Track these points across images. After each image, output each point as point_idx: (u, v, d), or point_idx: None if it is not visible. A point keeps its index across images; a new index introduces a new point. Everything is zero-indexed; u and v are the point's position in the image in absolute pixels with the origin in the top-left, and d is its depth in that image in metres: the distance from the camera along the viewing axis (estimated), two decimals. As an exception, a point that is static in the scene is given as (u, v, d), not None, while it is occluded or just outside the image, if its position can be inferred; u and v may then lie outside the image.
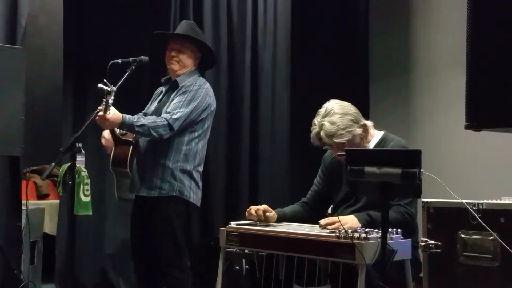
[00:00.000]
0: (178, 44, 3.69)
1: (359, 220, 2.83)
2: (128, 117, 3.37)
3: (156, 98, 3.81)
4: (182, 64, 3.68)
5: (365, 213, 2.91)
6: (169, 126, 3.43)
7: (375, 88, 5.69)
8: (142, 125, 3.38)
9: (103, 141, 3.60)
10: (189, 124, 3.55)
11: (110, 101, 3.22)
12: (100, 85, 3.18)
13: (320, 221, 2.87)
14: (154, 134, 3.41)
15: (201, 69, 3.84)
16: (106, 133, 3.57)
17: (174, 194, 3.53)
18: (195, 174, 3.61)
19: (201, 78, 3.73)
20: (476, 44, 2.29)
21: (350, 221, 2.80)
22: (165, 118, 3.44)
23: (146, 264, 3.63)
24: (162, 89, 3.83)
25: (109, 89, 3.18)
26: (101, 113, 3.25)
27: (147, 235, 3.59)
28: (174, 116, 3.45)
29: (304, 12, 5.43)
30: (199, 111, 3.57)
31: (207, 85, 3.70)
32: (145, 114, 3.72)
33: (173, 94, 3.63)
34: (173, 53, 3.68)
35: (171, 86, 3.70)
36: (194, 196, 3.61)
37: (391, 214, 2.83)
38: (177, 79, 3.68)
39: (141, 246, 3.65)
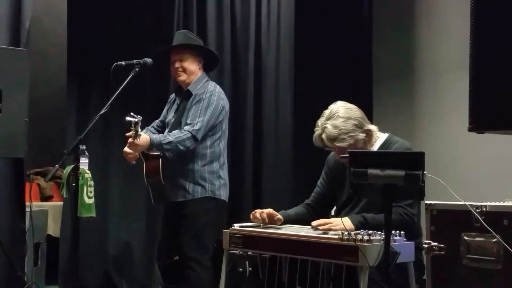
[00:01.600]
0: (178, 54, 3.82)
1: (352, 222, 2.84)
2: (155, 138, 3.58)
3: (171, 107, 3.94)
4: (188, 71, 3.81)
5: (360, 215, 2.92)
6: (193, 137, 3.62)
7: (379, 91, 5.69)
8: (169, 142, 3.58)
9: (127, 155, 3.66)
10: (210, 130, 3.71)
11: (139, 129, 3.40)
12: (128, 118, 3.35)
13: (312, 222, 2.89)
14: (182, 147, 3.60)
15: (207, 71, 3.92)
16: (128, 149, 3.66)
17: (207, 195, 3.72)
18: (222, 173, 3.80)
19: (210, 82, 3.86)
20: (479, 47, 2.29)
21: (342, 223, 2.82)
22: (188, 131, 3.62)
23: (170, 264, 3.78)
24: (174, 96, 3.97)
25: (136, 120, 3.36)
26: (131, 139, 3.44)
27: (176, 233, 3.74)
28: (196, 127, 3.63)
29: (307, 15, 5.43)
30: (216, 115, 3.74)
31: (218, 88, 3.84)
32: (162, 122, 3.96)
33: (188, 104, 3.77)
34: (176, 65, 3.82)
35: (185, 96, 3.83)
36: (224, 193, 3.81)
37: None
38: (188, 88, 3.81)
39: (169, 247, 3.82)
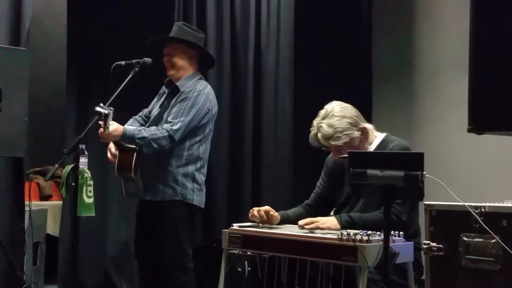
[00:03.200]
0: (169, 48, 3.73)
1: (338, 221, 2.87)
2: (128, 129, 3.44)
3: (159, 100, 3.84)
4: (176, 66, 3.70)
5: (346, 214, 2.95)
6: (170, 137, 3.49)
7: (378, 91, 5.69)
8: (143, 138, 3.45)
9: (109, 155, 3.64)
10: (191, 131, 3.59)
11: (109, 121, 3.27)
12: (98, 109, 3.24)
13: (298, 221, 2.91)
14: (155, 145, 3.48)
15: (203, 69, 3.86)
16: (113, 148, 3.61)
17: (177, 199, 3.58)
18: (197, 177, 3.65)
19: (201, 81, 3.74)
20: (478, 47, 2.30)
21: (329, 222, 2.87)
22: (166, 130, 3.49)
23: (150, 265, 3.67)
24: (165, 88, 3.86)
25: (106, 112, 3.23)
26: (101, 130, 3.33)
27: (151, 237, 3.63)
28: (175, 127, 3.50)
29: (307, 14, 5.43)
30: (199, 117, 3.60)
31: (208, 88, 3.71)
32: (150, 112, 3.81)
33: (174, 100, 3.65)
34: (166, 58, 3.73)
35: (172, 90, 3.72)
36: (198, 198, 3.64)
37: (376, 214, 2.85)
38: (177, 83, 3.70)
39: (145, 247, 3.70)
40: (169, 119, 3.57)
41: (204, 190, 3.71)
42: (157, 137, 3.47)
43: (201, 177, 3.68)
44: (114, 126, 3.36)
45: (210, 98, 3.68)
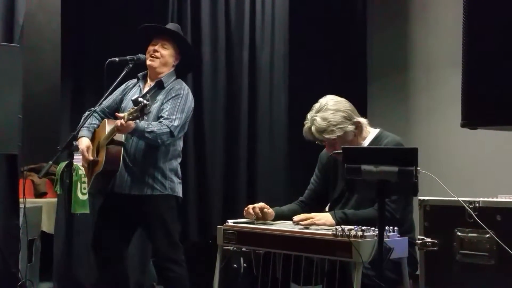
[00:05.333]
0: (162, 40, 3.74)
1: (333, 217, 2.87)
2: (140, 124, 3.46)
3: (129, 93, 3.79)
4: (163, 60, 3.71)
5: (341, 210, 2.95)
6: (171, 133, 3.55)
7: (373, 87, 5.69)
8: (151, 132, 3.49)
9: (83, 149, 3.60)
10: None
11: (139, 115, 3.31)
12: (140, 99, 3.27)
13: (293, 217, 2.92)
14: (159, 140, 3.53)
15: (180, 72, 3.86)
16: (85, 148, 3.59)
17: (167, 193, 3.65)
18: (179, 170, 3.77)
19: (181, 81, 3.80)
20: (472, 43, 2.30)
21: (324, 218, 2.87)
22: (167, 126, 3.54)
23: (108, 255, 3.72)
24: (135, 83, 3.82)
25: (147, 103, 3.27)
26: (121, 122, 3.34)
27: (118, 227, 3.67)
28: (175, 124, 3.56)
29: (301, 11, 5.43)
30: (189, 115, 3.71)
31: (188, 87, 3.81)
32: (109, 108, 3.77)
33: (161, 95, 3.66)
34: (156, 47, 3.71)
35: (156, 85, 3.71)
36: (180, 190, 3.77)
37: (371, 210, 2.86)
38: (162, 79, 3.71)
39: (107, 238, 3.70)
40: (165, 115, 3.59)
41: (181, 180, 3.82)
42: (162, 132, 3.52)
43: (179, 171, 3.79)
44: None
45: (192, 97, 3.77)
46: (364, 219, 2.81)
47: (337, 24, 5.56)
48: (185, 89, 3.71)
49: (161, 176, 3.64)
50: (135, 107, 3.29)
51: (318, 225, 2.83)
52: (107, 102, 3.78)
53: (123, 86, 3.85)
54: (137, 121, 3.42)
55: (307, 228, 2.78)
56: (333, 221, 2.84)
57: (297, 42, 5.37)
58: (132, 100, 3.35)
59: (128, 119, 3.34)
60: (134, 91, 3.78)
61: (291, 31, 5.34)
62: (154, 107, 3.61)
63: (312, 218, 2.87)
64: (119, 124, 3.38)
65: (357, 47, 5.65)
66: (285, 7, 5.32)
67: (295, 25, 5.38)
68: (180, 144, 3.78)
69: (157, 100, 3.65)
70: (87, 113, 3.62)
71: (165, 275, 3.66)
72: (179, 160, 3.79)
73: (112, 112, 3.73)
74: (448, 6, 5.21)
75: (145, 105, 3.26)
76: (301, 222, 2.85)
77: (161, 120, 3.57)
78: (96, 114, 3.77)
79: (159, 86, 3.70)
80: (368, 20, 5.71)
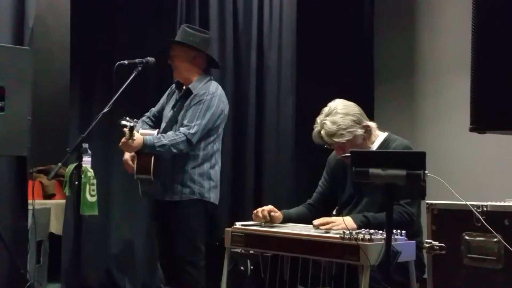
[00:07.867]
0: (172, 51, 3.79)
1: (354, 221, 2.84)
2: (149, 139, 3.53)
3: (170, 100, 3.89)
4: (178, 69, 3.77)
5: (361, 214, 2.92)
6: (188, 141, 3.58)
7: (380, 90, 5.70)
8: (163, 145, 3.54)
9: (125, 166, 3.72)
10: (206, 133, 3.68)
11: (134, 133, 3.40)
12: (123, 122, 3.35)
13: (314, 221, 2.90)
14: (175, 150, 3.57)
15: (207, 69, 3.88)
16: (129, 157, 3.69)
17: (195, 198, 3.68)
18: (212, 175, 3.76)
19: (212, 83, 3.79)
20: (481, 47, 2.30)
21: (344, 222, 2.82)
22: (184, 134, 3.57)
23: (169, 260, 3.80)
24: (175, 88, 3.90)
25: (132, 125, 3.35)
26: (124, 139, 3.42)
27: (168, 235, 3.75)
28: (192, 131, 3.58)
29: (309, 14, 5.44)
30: (214, 119, 3.70)
31: (219, 90, 3.78)
32: (159, 113, 3.90)
33: (187, 103, 3.71)
34: (169, 61, 3.80)
35: (184, 93, 3.77)
36: (213, 195, 3.77)
37: None
38: (189, 86, 3.75)
39: (165, 244, 3.81)
40: (185, 122, 3.63)
41: (219, 186, 3.83)
42: (176, 142, 3.55)
43: (215, 175, 3.78)
44: (136, 136, 3.45)
45: (223, 99, 3.76)
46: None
47: (344, 28, 5.57)
48: (209, 94, 3.68)
49: (189, 181, 3.67)
50: (125, 130, 3.37)
51: (338, 229, 2.76)
52: (156, 107, 3.94)
53: (168, 90, 3.96)
54: (146, 137, 3.51)
55: (316, 231, 2.77)
56: (354, 225, 2.81)
57: (304, 45, 5.38)
58: (119, 125, 3.39)
59: (130, 139, 3.40)
60: (173, 98, 3.87)
61: (299, 34, 5.35)
62: (181, 115, 3.69)
63: (333, 222, 2.84)
64: (121, 145, 3.49)
65: (364, 50, 5.65)
66: (293, 11, 5.33)
67: (303, 28, 5.39)
68: (214, 147, 3.76)
69: (184, 107, 3.71)
70: (100, 115, 3.63)
71: (182, 277, 3.67)
72: (214, 163, 3.78)
73: (161, 117, 3.86)
74: (455, 9, 5.21)
75: (132, 128, 3.35)
76: (321, 227, 2.82)
77: (180, 127, 3.61)
78: (147, 120, 3.91)
79: (187, 93, 3.75)
80: (375, 24, 5.72)
